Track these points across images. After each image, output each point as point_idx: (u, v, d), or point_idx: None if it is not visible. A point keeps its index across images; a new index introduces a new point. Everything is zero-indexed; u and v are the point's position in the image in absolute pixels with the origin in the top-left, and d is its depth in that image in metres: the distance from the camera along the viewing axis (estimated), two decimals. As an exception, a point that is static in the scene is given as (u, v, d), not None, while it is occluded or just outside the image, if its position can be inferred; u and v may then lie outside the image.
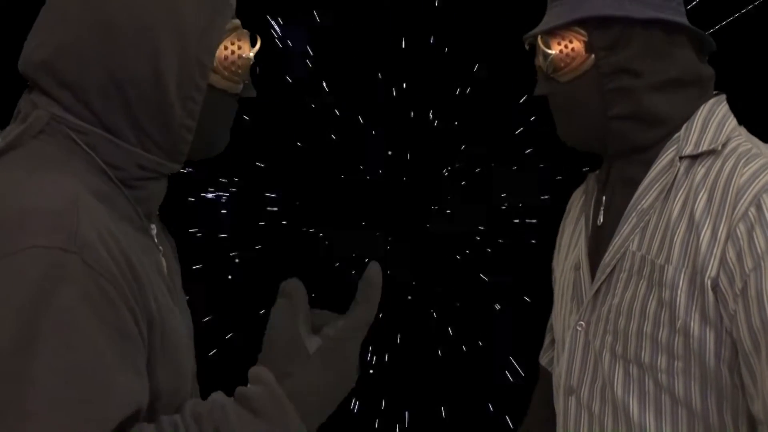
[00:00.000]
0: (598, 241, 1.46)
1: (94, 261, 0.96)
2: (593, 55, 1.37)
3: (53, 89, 1.09)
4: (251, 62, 1.18)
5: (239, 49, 1.16)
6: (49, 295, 0.92)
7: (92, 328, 0.94)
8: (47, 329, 0.91)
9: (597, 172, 1.56)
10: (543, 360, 1.75)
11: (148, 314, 1.05)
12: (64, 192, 0.99)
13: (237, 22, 1.18)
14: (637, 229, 1.37)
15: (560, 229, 1.68)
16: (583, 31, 1.37)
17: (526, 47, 1.48)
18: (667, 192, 1.36)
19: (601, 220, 1.47)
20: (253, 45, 1.19)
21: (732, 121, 1.39)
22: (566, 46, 1.38)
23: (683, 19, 1.38)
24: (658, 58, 1.36)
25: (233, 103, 1.21)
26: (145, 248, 1.13)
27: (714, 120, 1.38)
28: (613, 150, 1.42)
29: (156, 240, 1.18)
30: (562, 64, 1.39)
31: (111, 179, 1.09)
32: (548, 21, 1.42)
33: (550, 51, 1.40)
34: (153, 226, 1.18)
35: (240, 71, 1.17)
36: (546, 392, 1.69)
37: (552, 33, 1.40)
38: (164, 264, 1.18)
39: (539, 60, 1.43)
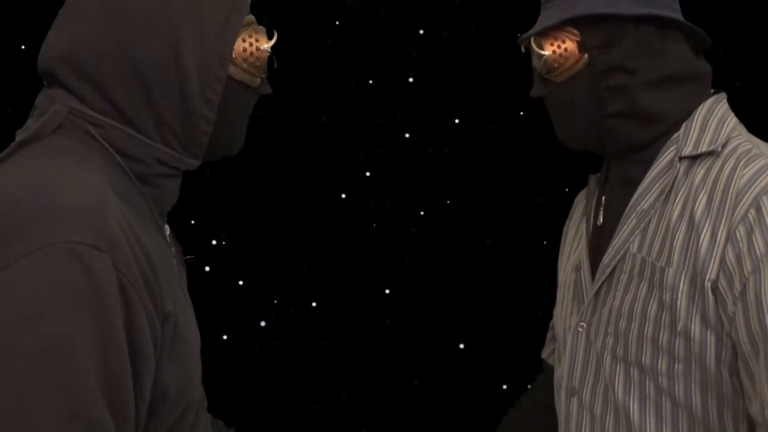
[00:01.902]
0: (598, 242, 1.46)
1: (121, 263, 0.96)
2: (587, 55, 1.37)
3: (73, 81, 1.08)
4: (269, 54, 1.20)
5: (257, 41, 1.18)
6: (84, 295, 0.92)
7: (107, 342, 0.94)
8: (86, 328, 0.92)
9: (598, 173, 1.56)
10: (544, 353, 1.75)
11: (165, 312, 1.05)
12: (92, 188, 0.99)
13: (252, 17, 1.20)
14: (637, 231, 1.36)
15: (564, 230, 1.68)
16: (575, 31, 1.37)
17: (522, 50, 1.48)
18: (667, 193, 1.35)
19: (601, 220, 1.47)
20: (269, 39, 1.21)
21: (731, 120, 1.38)
22: (559, 47, 1.38)
23: (677, 15, 1.38)
24: (652, 55, 1.35)
25: (251, 98, 1.23)
26: (161, 247, 1.13)
27: (713, 119, 1.37)
28: (610, 149, 1.42)
29: (168, 241, 1.18)
30: (556, 65, 1.39)
31: (129, 176, 1.09)
32: (541, 22, 1.42)
33: (543, 52, 1.40)
34: (166, 226, 1.19)
35: (258, 63, 1.19)
36: (546, 382, 1.69)
37: (545, 34, 1.40)
38: (176, 264, 1.19)
39: (534, 61, 1.43)
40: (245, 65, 1.18)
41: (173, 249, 1.23)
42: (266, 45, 1.20)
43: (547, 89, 1.43)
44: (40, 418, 0.89)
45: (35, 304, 0.91)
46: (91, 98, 1.08)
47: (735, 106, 1.43)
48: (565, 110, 1.42)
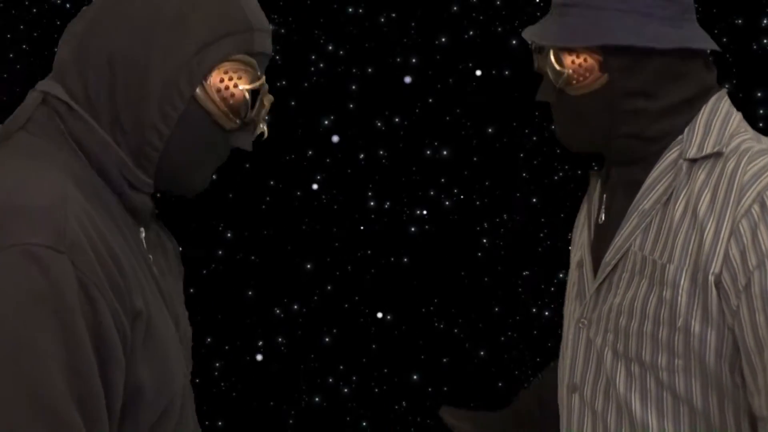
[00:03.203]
0: (601, 239, 1.44)
1: (82, 263, 0.95)
2: (607, 74, 1.32)
3: (64, 59, 1.09)
4: (244, 97, 1.12)
5: (238, 79, 1.11)
6: (43, 296, 0.92)
7: (73, 341, 0.94)
8: (48, 328, 0.92)
9: (598, 169, 1.52)
10: None
11: (134, 309, 1.03)
12: (53, 188, 0.98)
13: (251, 60, 1.12)
14: (638, 230, 1.35)
15: (575, 225, 1.63)
16: (598, 50, 1.32)
17: (530, 45, 1.42)
18: (670, 193, 1.33)
19: (603, 219, 1.45)
20: (252, 83, 1.12)
21: (735, 119, 1.36)
22: (580, 65, 1.33)
23: (702, 39, 1.34)
24: (673, 80, 1.32)
25: (219, 139, 1.14)
26: (135, 246, 1.10)
27: (717, 119, 1.34)
28: (615, 158, 1.40)
29: (145, 244, 1.15)
30: (574, 81, 1.34)
31: (97, 171, 1.07)
32: (559, 32, 1.35)
33: (563, 69, 1.34)
34: (142, 229, 1.15)
35: (231, 101, 1.11)
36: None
37: (564, 48, 1.34)
38: (153, 267, 1.15)
39: (545, 68, 1.37)
40: (216, 97, 1.10)
41: (155, 253, 1.19)
42: (245, 86, 1.11)
43: (558, 98, 1.38)
44: (7, 416, 0.90)
45: None
46: (70, 76, 1.08)
47: (733, 98, 1.41)
48: (573, 120, 1.39)
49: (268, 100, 1.16)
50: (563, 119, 1.41)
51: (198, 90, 1.09)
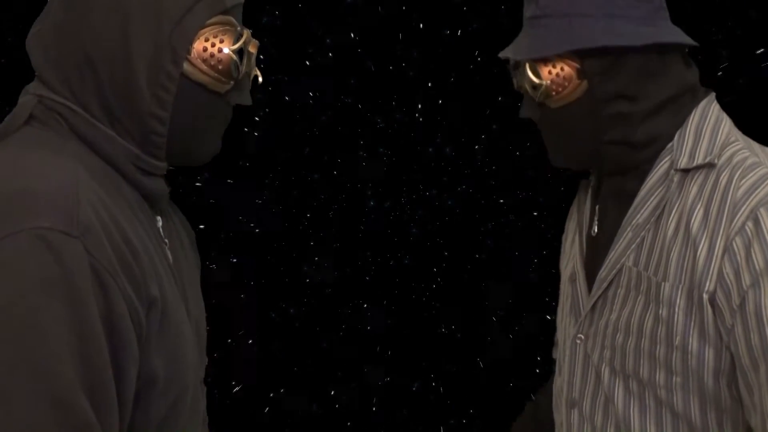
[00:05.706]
0: (594, 252, 1.44)
1: (95, 248, 0.95)
2: (586, 81, 1.31)
3: (41, 62, 1.08)
4: (232, 59, 1.12)
5: (221, 42, 1.11)
6: (55, 282, 0.91)
7: (81, 328, 0.93)
8: (59, 316, 0.91)
9: (589, 178, 1.53)
10: (555, 353, 1.73)
11: (149, 297, 1.03)
12: (64, 173, 0.98)
13: (228, 18, 1.13)
14: (633, 245, 1.35)
15: (564, 231, 1.65)
16: (574, 57, 1.31)
17: (508, 65, 1.43)
18: (663, 206, 1.33)
19: (596, 231, 1.45)
20: (236, 42, 1.13)
21: (725, 125, 1.35)
22: (558, 75, 1.32)
23: (674, 32, 1.34)
24: (653, 79, 1.32)
25: (219, 104, 1.16)
26: (151, 234, 1.11)
27: (707, 126, 1.34)
28: (606, 168, 1.40)
29: (162, 233, 1.16)
30: (553, 92, 1.33)
31: (108, 163, 1.07)
32: (531, 44, 1.34)
33: (540, 81, 1.33)
34: (159, 218, 1.16)
35: (220, 66, 1.11)
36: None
37: (540, 60, 1.34)
38: (170, 256, 1.16)
39: (524, 84, 1.37)
40: (204, 66, 1.10)
41: (171, 239, 1.20)
42: (229, 48, 1.12)
43: (540, 113, 1.38)
44: (16, 405, 0.89)
45: (4, 291, 0.90)
46: (54, 82, 1.07)
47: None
48: (559, 134, 1.38)
49: (254, 46, 1.15)
50: (549, 135, 1.41)
51: (185, 65, 1.09)
